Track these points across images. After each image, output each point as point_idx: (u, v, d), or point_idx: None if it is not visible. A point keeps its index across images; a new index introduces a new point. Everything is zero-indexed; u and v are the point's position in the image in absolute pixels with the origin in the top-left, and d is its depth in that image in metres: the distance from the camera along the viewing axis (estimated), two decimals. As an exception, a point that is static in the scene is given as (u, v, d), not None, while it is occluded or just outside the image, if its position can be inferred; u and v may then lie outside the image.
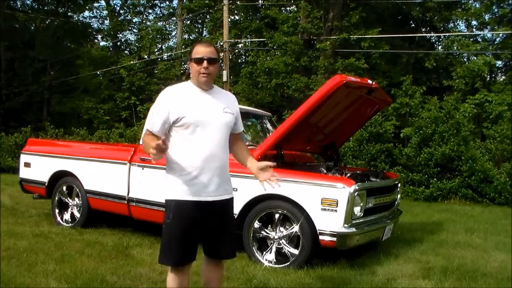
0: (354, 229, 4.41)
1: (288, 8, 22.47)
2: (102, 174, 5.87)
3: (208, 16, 25.50)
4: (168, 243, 2.74)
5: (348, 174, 4.99)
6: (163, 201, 2.80)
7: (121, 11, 29.92)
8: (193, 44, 2.90)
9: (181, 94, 2.74)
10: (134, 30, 30.27)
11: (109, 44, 29.02)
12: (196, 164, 2.68)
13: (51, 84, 24.87)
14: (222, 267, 2.98)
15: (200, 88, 2.77)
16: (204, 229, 2.76)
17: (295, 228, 4.52)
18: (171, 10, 28.66)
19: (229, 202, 2.87)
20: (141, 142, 2.80)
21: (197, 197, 2.69)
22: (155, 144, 2.46)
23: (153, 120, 2.74)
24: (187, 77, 2.99)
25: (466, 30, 21.96)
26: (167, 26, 28.58)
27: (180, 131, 2.70)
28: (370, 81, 5.18)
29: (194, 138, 2.67)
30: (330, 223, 4.35)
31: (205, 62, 2.69)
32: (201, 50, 2.71)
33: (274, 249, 4.65)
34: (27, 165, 6.79)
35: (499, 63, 20.59)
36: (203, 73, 2.70)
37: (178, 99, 2.71)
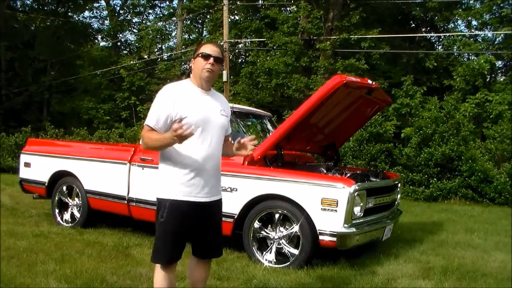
0: (354, 229, 4.41)
1: (288, 8, 22.47)
2: (102, 174, 5.88)
3: (208, 16, 25.48)
4: (161, 242, 2.74)
5: (348, 174, 4.98)
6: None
7: (121, 11, 29.96)
8: (199, 43, 2.94)
9: (183, 93, 2.73)
10: (134, 30, 30.33)
11: (109, 44, 29.01)
12: (196, 164, 2.69)
13: (51, 84, 24.86)
14: (209, 267, 3.02)
15: (201, 88, 2.79)
16: (195, 229, 2.78)
17: (295, 228, 4.52)
18: (171, 10, 28.64)
19: (220, 203, 2.91)
20: (141, 141, 2.74)
21: (192, 198, 2.70)
22: (177, 126, 2.43)
23: (157, 116, 2.67)
24: (187, 77, 2.98)
25: (466, 30, 21.95)
26: (167, 26, 28.61)
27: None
28: (370, 81, 5.19)
29: (194, 138, 2.65)
30: (330, 223, 4.35)
31: (211, 58, 2.73)
32: (208, 48, 2.76)
33: (274, 249, 4.65)
34: (27, 165, 6.79)
35: (499, 63, 20.56)
36: (208, 68, 2.73)
37: (180, 97, 2.70)
